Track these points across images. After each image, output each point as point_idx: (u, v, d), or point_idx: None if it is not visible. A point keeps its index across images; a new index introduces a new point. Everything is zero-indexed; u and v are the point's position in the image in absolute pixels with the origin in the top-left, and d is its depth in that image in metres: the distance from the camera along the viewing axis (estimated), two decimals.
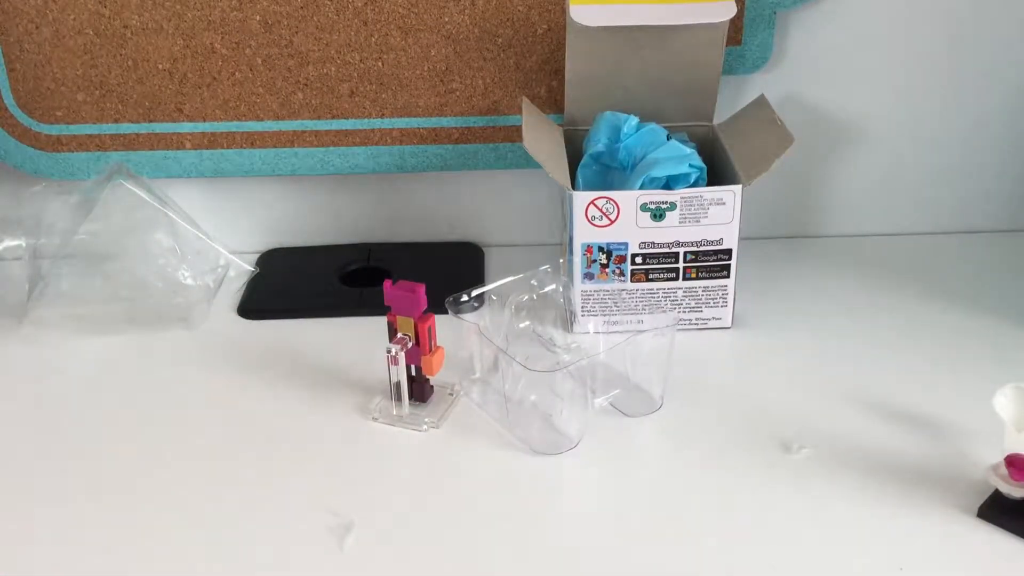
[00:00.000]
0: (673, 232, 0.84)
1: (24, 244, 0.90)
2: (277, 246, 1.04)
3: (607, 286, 0.86)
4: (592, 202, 0.83)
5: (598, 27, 0.85)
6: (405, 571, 0.64)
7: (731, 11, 0.85)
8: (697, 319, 0.88)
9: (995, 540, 0.65)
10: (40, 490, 0.72)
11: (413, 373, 0.78)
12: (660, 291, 0.86)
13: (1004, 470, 0.66)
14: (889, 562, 0.64)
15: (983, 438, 0.73)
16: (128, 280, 0.88)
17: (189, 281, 0.90)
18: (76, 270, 0.89)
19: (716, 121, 0.93)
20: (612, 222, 0.83)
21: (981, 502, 0.67)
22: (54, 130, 0.94)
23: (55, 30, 0.90)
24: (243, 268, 0.97)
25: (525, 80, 0.94)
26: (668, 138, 0.87)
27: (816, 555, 0.65)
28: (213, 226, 0.97)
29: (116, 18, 0.90)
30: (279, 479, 0.72)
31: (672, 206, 0.83)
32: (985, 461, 0.69)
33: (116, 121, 0.94)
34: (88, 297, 0.88)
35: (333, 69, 0.93)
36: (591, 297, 0.86)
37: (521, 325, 0.86)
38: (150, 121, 0.94)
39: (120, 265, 0.89)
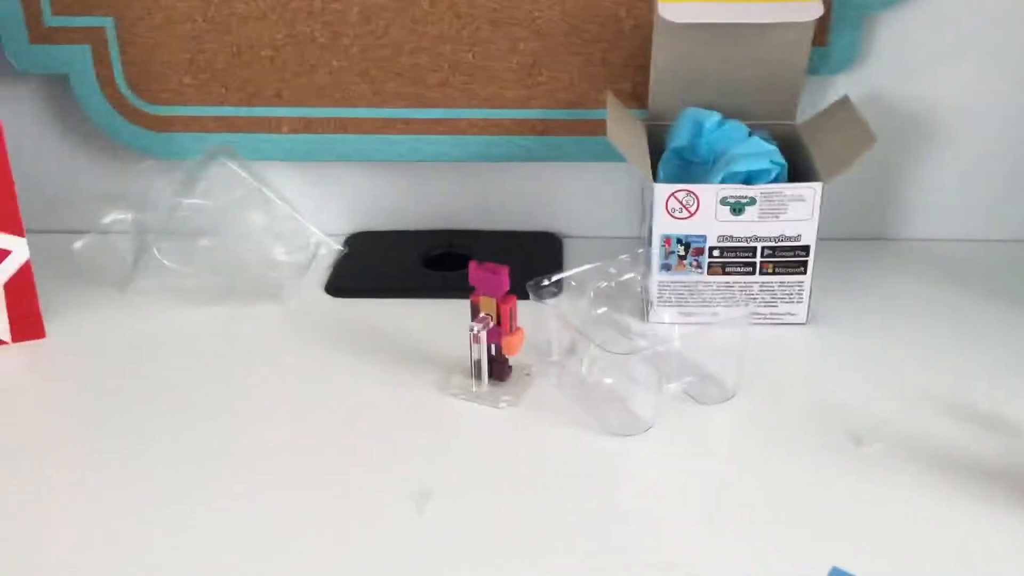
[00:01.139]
0: (752, 227, 0.85)
1: (130, 218, 0.94)
2: (364, 229, 1.08)
3: (684, 277, 0.87)
4: (673, 194, 0.84)
5: (686, 24, 0.86)
6: (479, 537, 0.67)
7: (818, 11, 0.86)
8: (772, 314, 0.89)
9: None
10: (133, 451, 0.75)
11: (493, 352, 0.80)
12: (736, 284, 0.88)
13: None
14: (960, 559, 0.64)
15: None
16: (225, 255, 0.92)
17: (282, 258, 0.94)
18: (177, 244, 0.93)
19: (798, 121, 0.94)
20: (692, 215, 0.85)
21: None
22: (161, 111, 1.00)
23: (167, 16, 0.95)
24: (332, 248, 1.01)
25: (610, 75, 0.96)
26: (749, 135, 0.88)
27: (884, 549, 0.65)
28: (305, 207, 1.01)
29: (223, 6, 0.95)
30: (362, 447, 0.75)
31: (752, 201, 0.84)
32: None
33: (219, 104, 0.99)
34: (188, 270, 0.92)
35: (425, 59, 0.96)
36: (668, 288, 0.88)
37: (598, 311, 0.87)
38: (251, 105, 0.99)
39: (219, 241, 0.92)
